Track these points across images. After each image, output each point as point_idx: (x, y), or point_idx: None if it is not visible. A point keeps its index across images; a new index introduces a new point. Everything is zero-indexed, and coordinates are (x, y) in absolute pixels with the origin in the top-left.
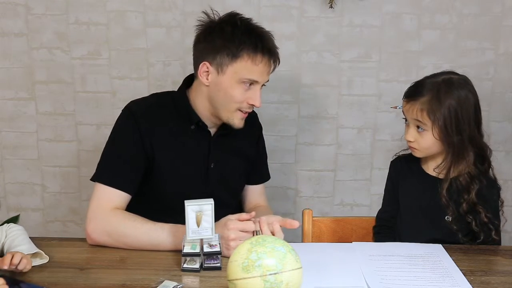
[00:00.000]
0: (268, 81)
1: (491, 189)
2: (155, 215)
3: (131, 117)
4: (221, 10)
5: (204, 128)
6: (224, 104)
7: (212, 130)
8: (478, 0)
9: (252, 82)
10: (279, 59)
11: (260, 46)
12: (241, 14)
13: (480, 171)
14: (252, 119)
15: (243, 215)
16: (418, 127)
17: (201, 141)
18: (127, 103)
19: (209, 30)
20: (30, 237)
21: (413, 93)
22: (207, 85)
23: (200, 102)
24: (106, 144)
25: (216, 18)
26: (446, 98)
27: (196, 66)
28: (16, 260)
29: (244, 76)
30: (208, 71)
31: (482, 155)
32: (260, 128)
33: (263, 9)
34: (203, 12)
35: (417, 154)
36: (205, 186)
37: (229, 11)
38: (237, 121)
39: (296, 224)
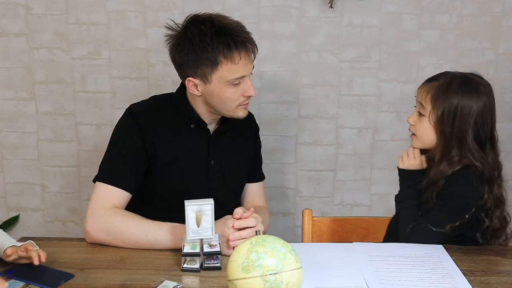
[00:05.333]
0: (253, 67)
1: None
2: (157, 212)
3: (132, 119)
4: (221, 10)
5: (203, 126)
6: (223, 106)
7: (212, 127)
8: (478, 0)
9: (239, 79)
10: (256, 45)
11: (233, 44)
12: (201, 14)
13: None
14: (249, 119)
15: (243, 214)
16: (420, 113)
17: (201, 138)
18: (128, 104)
19: (180, 47)
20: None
21: (431, 78)
22: (199, 95)
23: (198, 104)
24: (108, 145)
25: (179, 26)
26: (454, 90)
27: (183, 82)
28: (42, 257)
29: (229, 78)
30: (195, 84)
31: (481, 174)
32: (257, 128)
33: (263, 9)
34: (166, 26)
35: (414, 141)
36: (206, 183)
37: (229, 11)
38: (241, 113)
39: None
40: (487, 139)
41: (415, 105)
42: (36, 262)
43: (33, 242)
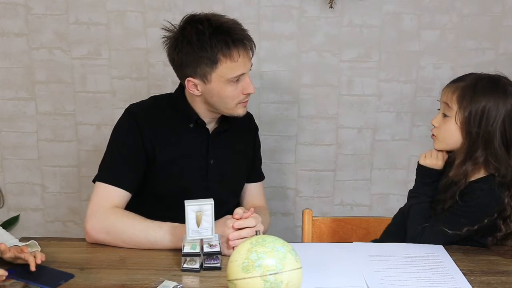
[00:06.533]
0: (252, 65)
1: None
2: (157, 212)
3: (131, 118)
4: (221, 10)
5: (202, 125)
6: (222, 104)
7: (211, 127)
8: (478, 0)
9: (239, 77)
10: (253, 42)
11: (231, 42)
12: (197, 14)
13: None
14: (248, 119)
15: (243, 214)
16: (444, 114)
17: (200, 138)
18: (127, 104)
19: (178, 47)
20: (30, 237)
21: (456, 79)
22: (199, 95)
23: (198, 104)
24: (107, 145)
25: (176, 28)
26: (481, 91)
27: (182, 83)
28: (38, 259)
29: (229, 76)
30: (195, 84)
31: (503, 176)
32: (256, 128)
33: (263, 9)
34: (163, 28)
35: (436, 143)
36: (205, 183)
37: (229, 11)
38: (240, 110)
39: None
40: None
41: (439, 108)
42: (32, 268)
43: (36, 242)
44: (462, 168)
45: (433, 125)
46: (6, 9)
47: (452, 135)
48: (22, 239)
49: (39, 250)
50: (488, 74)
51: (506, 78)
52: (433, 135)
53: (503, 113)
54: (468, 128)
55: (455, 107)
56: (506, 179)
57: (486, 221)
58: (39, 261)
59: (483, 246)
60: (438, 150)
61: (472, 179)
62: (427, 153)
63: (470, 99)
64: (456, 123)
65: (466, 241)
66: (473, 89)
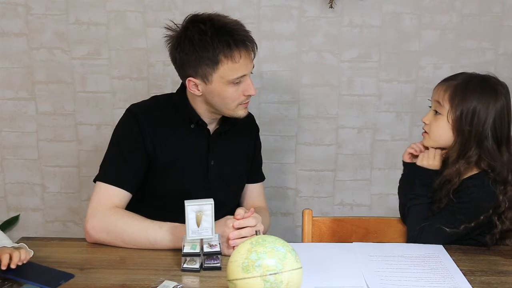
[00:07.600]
0: (253, 66)
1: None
2: (157, 212)
3: (132, 119)
4: (221, 10)
5: (203, 126)
6: (223, 105)
7: (212, 127)
8: (478, 0)
9: (240, 78)
10: (255, 44)
11: (233, 42)
12: (200, 14)
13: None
14: (249, 120)
15: (244, 214)
16: (436, 111)
17: (201, 139)
18: (127, 104)
19: (180, 47)
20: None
21: (448, 78)
22: (200, 95)
23: (198, 104)
24: (108, 145)
25: (179, 27)
26: (472, 90)
27: (183, 82)
28: (22, 257)
29: (230, 77)
30: (196, 84)
31: (498, 174)
32: (257, 129)
33: (263, 9)
34: (165, 27)
35: (427, 140)
36: (205, 184)
37: (229, 11)
38: (241, 112)
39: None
40: (504, 140)
41: (430, 106)
42: (12, 265)
43: (26, 246)
44: (455, 167)
45: (424, 122)
46: (6, 9)
47: (443, 132)
48: (22, 239)
49: (32, 253)
50: (479, 74)
51: (496, 78)
52: (425, 132)
53: (493, 113)
54: (460, 126)
55: (447, 105)
56: (502, 177)
57: (482, 217)
58: (23, 257)
59: (483, 245)
60: (430, 148)
61: (465, 176)
62: (424, 153)
63: (462, 98)
64: (448, 121)
65: (465, 239)
66: (464, 88)
